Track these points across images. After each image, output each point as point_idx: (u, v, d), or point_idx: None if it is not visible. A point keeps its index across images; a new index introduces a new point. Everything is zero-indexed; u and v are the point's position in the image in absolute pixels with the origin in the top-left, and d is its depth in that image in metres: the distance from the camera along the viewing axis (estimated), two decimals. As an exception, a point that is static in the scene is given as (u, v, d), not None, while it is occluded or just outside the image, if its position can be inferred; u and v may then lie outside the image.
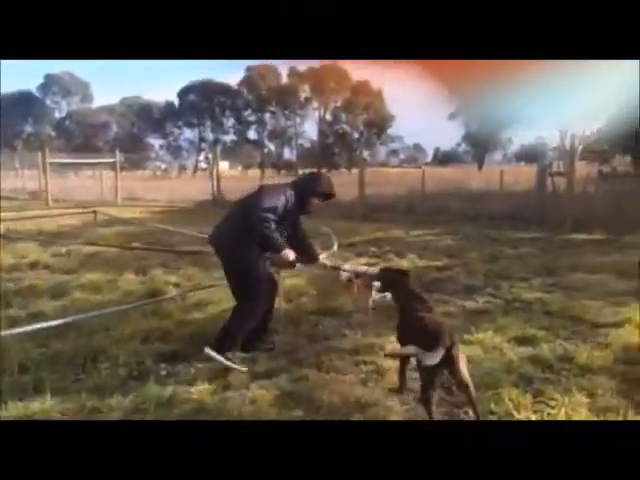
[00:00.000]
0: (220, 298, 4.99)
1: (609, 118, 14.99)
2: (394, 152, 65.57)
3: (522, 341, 3.97)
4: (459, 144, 61.68)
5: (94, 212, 12.68)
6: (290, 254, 3.69)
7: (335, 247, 6.69)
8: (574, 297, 5.20)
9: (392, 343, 3.95)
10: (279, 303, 4.68)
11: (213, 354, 3.58)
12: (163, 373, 3.51)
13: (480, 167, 44.98)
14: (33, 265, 7.07)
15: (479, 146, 52.78)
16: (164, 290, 5.50)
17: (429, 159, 71.71)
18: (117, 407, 3.02)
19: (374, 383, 3.32)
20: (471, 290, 5.60)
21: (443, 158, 65.88)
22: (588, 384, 3.19)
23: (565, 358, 3.62)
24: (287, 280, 5.83)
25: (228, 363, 3.56)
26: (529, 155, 53.12)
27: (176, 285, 5.90)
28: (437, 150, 72.12)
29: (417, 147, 72.82)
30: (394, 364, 3.58)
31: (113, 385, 3.29)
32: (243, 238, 3.66)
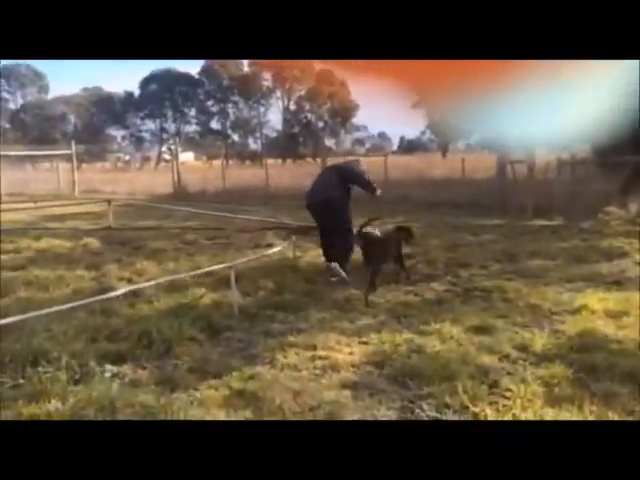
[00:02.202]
0: (171, 293, 4.84)
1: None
2: (359, 141, 65.63)
3: (480, 330, 3.92)
4: (423, 132, 62.16)
5: (108, 202, 12.17)
6: (379, 190, 6.14)
7: (294, 237, 6.56)
8: (533, 284, 5.21)
9: (349, 337, 3.88)
10: (235, 296, 4.55)
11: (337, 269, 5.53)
12: (107, 375, 3.33)
13: (444, 155, 45.43)
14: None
15: (442, 135, 53.25)
16: (116, 287, 5.28)
17: (395, 147, 72.02)
18: (55, 413, 2.84)
19: (328, 379, 3.21)
20: (431, 279, 5.56)
21: (408, 146, 66.21)
22: (545, 373, 3.15)
23: (522, 347, 3.59)
24: (245, 272, 5.70)
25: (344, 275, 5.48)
26: (492, 144, 53.83)
27: (129, 281, 5.70)
28: (402, 139, 72.49)
29: (382, 136, 73.01)
30: (350, 358, 3.49)
31: (53, 390, 3.10)
32: (343, 191, 5.88)
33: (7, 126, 56.06)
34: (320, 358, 3.50)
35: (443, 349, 3.58)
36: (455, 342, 3.71)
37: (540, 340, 3.65)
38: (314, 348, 3.66)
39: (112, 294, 4.01)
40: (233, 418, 2.75)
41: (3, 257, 7.15)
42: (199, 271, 5.03)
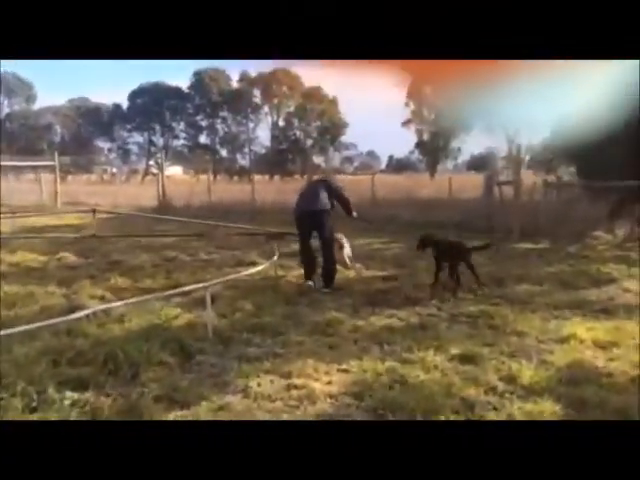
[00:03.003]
0: (143, 313, 4.62)
1: (554, 128, 15.30)
2: (348, 159, 65.85)
3: (465, 359, 3.74)
4: (412, 152, 62.47)
5: (93, 211, 11.98)
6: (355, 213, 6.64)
7: (276, 257, 6.37)
8: (519, 310, 5.05)
9: (328, 364, 3.68)
10: (209, 318, 4.34)
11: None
12: (67, 403, 3.10)
13: (432, 175, 45.61)
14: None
15: (430, 154, 53.55)
16: (87, 305, 5.05)
17: (383, 166, 72.35)
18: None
19: (303, 411, 3.01)
20: (415, 302, 5.39)
21: (397, 166, 66.56)
22: (532, 408, 2.97)
23: (509, 378, 3.42)
24: (223, 292, 5.50)
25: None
26: (479, 164, 54.35)
27: (102, 298, 5.47)
28: (391, 158, 72.86)
29: (371, 154, 73.37)
30: (327, 388, 3.30)
31: (6, 418, 2.86)
32: (327, 204, 6.21)
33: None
34: (296, 387, 3.30)
35: (427, 379, 3.39)
36: (439, 372, 3.53)
37: (527, 372, 3.47)
38: (290, 376, 3.46)
39: (75, 315, 3.78)
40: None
41: (-26, 270, 6.88)
42: (173, 291, 4.81)
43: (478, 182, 14.49)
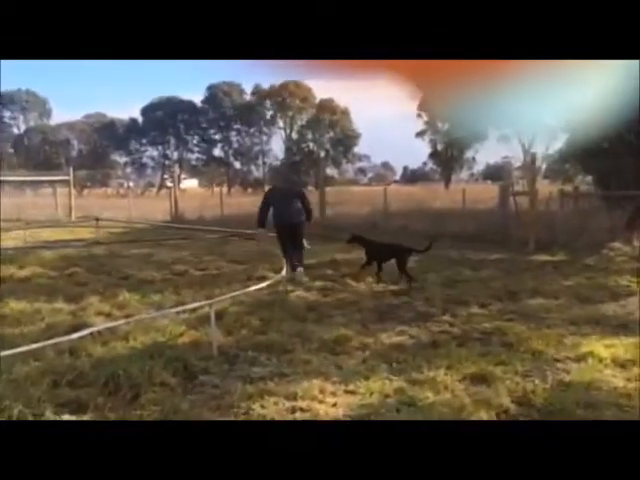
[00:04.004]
0: (148, 330, 4.54)
1: (570, 137, 15.08)
2: (362, 170, 65.81)
3: (477, 379, 3.60)
4: (425, 163, 62.28)
5: (96, 220, 12.42)
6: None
7: (284, 271, 6.27)
8: (534, 326, 4.89)
9: (334, 385, 3.56)
10: (214, 337, 4.25)
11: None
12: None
13: (447, 185, 45.39)
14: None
15: (444, 165, 53.35)
16: (93, 322, 4.99)
17: (398, 177, 72.21)
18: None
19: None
20: (427, 318, 5.25)
21: (412, 176, 66.37)
22: (547, 433, 2.82)
23: (522, 400, 3.27)
24: (230, 308, 5.42)
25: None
26: (495, 174, 54.03)
27: (108, 315, 5.41)
28: (406, 168, 72.69)
29: (385, 165, 73.28)
30: (332, 411, 3.17)
31: None
32: (303, 216, 7.55)
33: (11, 151, 56.48)
34: (301, 410, 3.19)
35: (437, 401, 3.26)
36: (450, 393, 3.39)
37: (542, 393, 3.32)
38: (295, 398, 3.34)
39: (78, 334, 3.71)
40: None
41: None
42: (177, 309, 4.74)
43: (493, 192, 14.30)
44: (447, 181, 50.56)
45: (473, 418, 3.02)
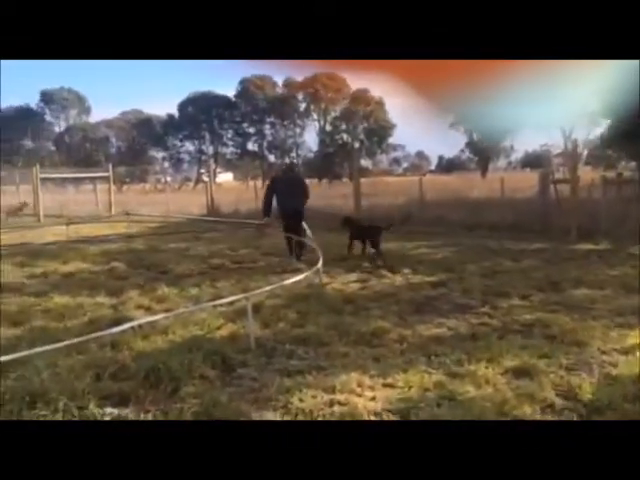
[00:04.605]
0: (187, 324, 4.59)
1: (612, 122, 14.57)
2: (396, 161, 65.19)
3: (519, 373, 3.51)
4: (462, 151, 61.26)
5: (127, 214, 13.01)
6: None
7: (320, 264, 6.24)
8: (579, 317, 4.74)
9: (372, 378, 3.52)
10: (251, 330, 4.26)
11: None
12: (107, 419, 3.07)
13: (484, 174, 44.53)
14: (2, 288, 6.67)
15: (481, 153, 52.35)
16: (133, 316, 5.09)
17: (433, 167, 71.30)
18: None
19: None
20: (465, 310, 5.15)
21: (447, 166, 65.45)
22: (595, 429, 2.73)
23: (568, 395, 3.17)
24: (267, 301, 5.43)
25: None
26: (534, 162, 52.77)
27: (148, 309, 5.50)
28: (441, 158, 71.69)
29: (420, 155, 72.41)
30: (371, 405, 3.14)
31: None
32: (303, 201, 8.60)
33: (52, 149, 58.15)
34: (339, 404, 3.16)
35: (477, 395, 3.19)
36: (491, 387, 3.31)
37: (589, 387, 3.22)
38: (333, 391, 3.32)
39: (120, 328, 3.78)
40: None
41: (30, 282, 7.10)
42: (215, 302, 4.78)
43: (533, 180, 13.95)
44: (484, 170, 49.61)
45: (516, 413, 2.95)
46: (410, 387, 3.34)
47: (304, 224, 8.62)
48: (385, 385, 3.43)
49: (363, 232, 8.52)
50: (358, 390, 3.34)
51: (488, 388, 3.29)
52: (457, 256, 8.37)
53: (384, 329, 4.55)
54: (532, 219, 11.32)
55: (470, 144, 53.99)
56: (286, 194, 8.38)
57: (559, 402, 3.09)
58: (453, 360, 3.77)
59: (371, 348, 4.17)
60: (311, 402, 3.20)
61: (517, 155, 59.02)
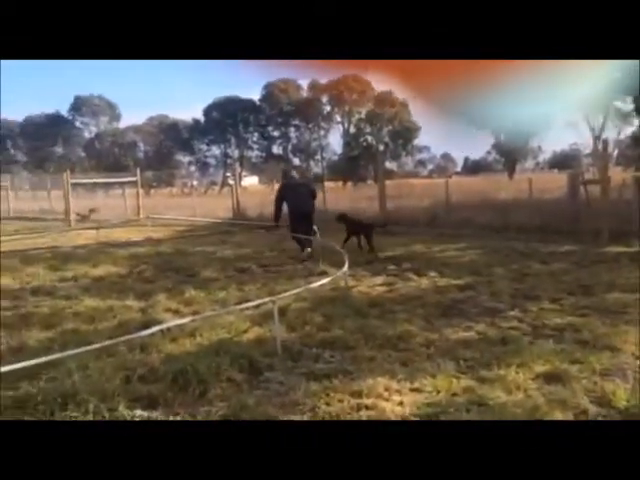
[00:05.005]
0: (214, 327, 4.62)
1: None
2: (421, 163, 64.76)
3: (551, 378, 3.44)
4: (489, 153, 60.57)
5: (148, 217, 13.36)
6: None
7: (346, 267, 6.22)
8: (611, 322, 4.63)
9: (399, 383, 3.49)
10: (278, 333, 4.27)
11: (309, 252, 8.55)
12: (136, 420, 3.11)
13: (511, 176, 43.93)
14: (35, 291, 6.83)
15: (508, 155, 51.64)
16: (162, 319, 5.15)
17: (459, 168, 70.69)
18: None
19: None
20: (494, 314, 5.07)
21: (473, 167, 64.81)
22: (630, 437, 2.65)
23: (602, 401, 3.09)
24: (293, 304, 5.44)
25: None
26: (562, 162, 51.85)
27: (176, 312, 5.56)
28: (467, 159, 71.02)
29: (446, 157, 71.87)
30: (399, 409, 3.11)
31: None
32: (313, 203, 9.27)
33: (82, 154, 59.38)
34: (366, 408, 3.14)
35: (508, 401, 3.13)
36: (522, 392, 3.25)
37: (623, 393, 3.13)
38: (360, 395, 3.30)
39: (149, 331, 3.82)
40: None
41: (62, 285, 7.24)
42: (242, 306, 4.80)
43: (561, 181, 13.71)
44: (511, 171, 48.93)
45: (548, 419, 2.89)
46: (438, 392, 3.30)
47: (314, 227, 9.17)
48: (413, 390, 3.39)
49: (358, 228, 9.42)
50: (385, 394, 3.31)
51: (519, 394, 3.23)
52: (484, 259, 8.26)
53: (411, 333, 4.51)
54: (561, 221, 11.12)
55: (497, 145, 53.33)
56: (295, 199, 9.06)
57: (593, 409, 3.02)
58: (482, 364, 3.72)
59: (398, 352, 4.14)
60: (338, 406, 3.19)
61: (545, 156, 58.13)
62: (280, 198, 9.23)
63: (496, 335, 4.44)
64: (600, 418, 2.92)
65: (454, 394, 3.26)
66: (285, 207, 9.33)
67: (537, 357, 3.79)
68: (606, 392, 3.18)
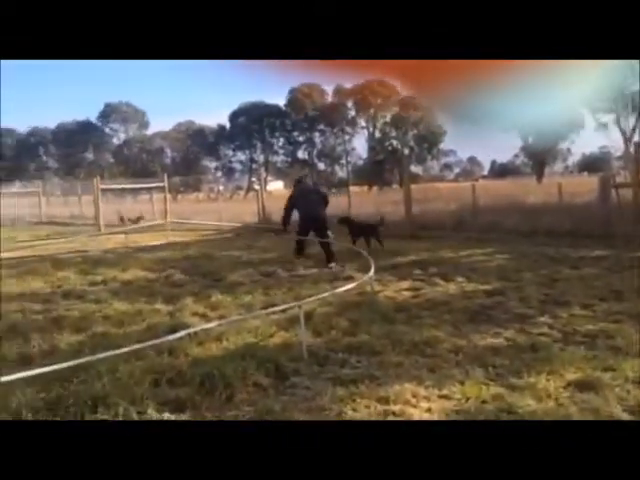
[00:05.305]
0: (241, 331, 4.65)
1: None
2: (447, 166, 64.24)
3: (583, 386, 3.36)
4: (516, 156, 59.78)
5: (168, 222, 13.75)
6: None
7: (372, 272, 6.19)
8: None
9: (427, 389, 3.45)
10: (303, 338, 4.27)
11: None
12: (165, 420, 3.13)
13: (539, 179, 43.28)
14: (66, 294, 6.96)
15: (537, 157, 50.87)
16: (189, 323, 5.20)
17: (485, 172, 69.93)
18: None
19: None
20: (524, 319, 4.99)
21: (500, 170, 64.05)
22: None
23: (635, 409, 3.01)
24: (319, 309, 5.43)
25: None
26: (593, 165, 50.87)
27: (203, 316, 5.60)
28: (494, 163, 70.22)
29: (472, 160, 71.15)
30: (427, 416, 3.08)
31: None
32: (324, 208, 9.24)
33: (111, 161, 60.55)
34: (393, 414, 3.12)
35: (539, 409, 3.07)
36: (553, 401, 3.19)
37: (659, 403, 3.04)
38: (387, 402, 3.27)
39: (177, 335, 3.86)
40: None
41: (91, 288, 7.37)
42: (268, 310, 4.82)
43: (592, 185, 13.44)
44: (540, 174, 48.17)
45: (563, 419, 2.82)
46: (467, 399, 3.25)
47: (329, 232, 9.19)
48: (441, 396, 3.35)
49: (362, 230, 9.86)
50: (413, 401, 3.28)
51: (549, 402, 3.17)
52: (512, 263, 8.14)
53: (438, 338, 4.46)
54: (592, 225, 10.88)
55: (525, 148, 52.61)
56: (306, 206, 9.16)
57: (626, 418, 2.94)
58: (512, 371, 3.66)
59: (425, 358, 4.09)
60: (365, 412, 3.17)
61: (574, 158, 57.12)
62: (290, 205, 9.38)
63: (526, 342, 4.36)
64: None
65: (483, 401, 3.21)
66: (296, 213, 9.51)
67: (568, 364, 3.71)
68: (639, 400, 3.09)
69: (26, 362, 4.29)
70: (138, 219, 20.28)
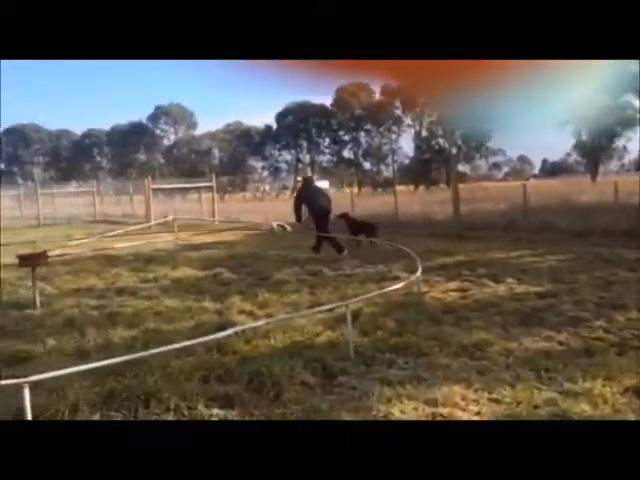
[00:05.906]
0: (287, 330, 4.68)
1: None
2: (496, 165, 62.82)
3: (642, 393, 3.22)
4: (569, 154, 57.89)
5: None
6: None
7: (419, 272, 6.12)
8: None
9: (476, 392, 3.39)
10: (350, 337, 4.26)
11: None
12: (214, 420, 3.19)
13: (593, 178, 41.79)
14: (120, 291, 7.18)
15: (590, 155, 49.11)
16: (237, 321, 5.28)
17: (536, 171, 68.07)
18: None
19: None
20: (578, 323, 4.83)
21: (552, 169, 62.21)
22: None
23: (701, 420, 2.86)
24: (365, 308, 5.42)
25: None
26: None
27: (250, 314, 5.68)
28: (545, 161, 68.24)
29: (523, 159, 69.34)
30: (476, 420, 3.02)
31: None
32: (329, 203, 10.35)
33: (162, 161, 62.16)
34: (442, 417, 3.08)
35: (594, 416, 2.96)
36: (610, 407, 3.07)
37: None
38: (435, 404, 3.23)
39: (225, 333, 3.93)
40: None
41: (143, 285, 7.58)
42: (315, 309, 4.84)
43: (650, 184, 12.87)
44: (594, 173, 46.49)
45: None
46: (519, 403, 3.17)
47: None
48: (491, 400, 3.28)
49: (360, 228, 10.61)
50: (462, 404, 3.23)
51: (606, 408, 3.06)
52: (565, 265, 7.88)
53: (487, 341, 4.37)
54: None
55: (578, 146, 50.88)
56: (315, 200, 10.10)
57: (690, 428, 2.80)
58: (565, 376, 3.54)
59: (474, 360, 4.02)
60: (413, 414, 3.14)
61: (630, 157, 54.81)
62: (300, 201, 10.24)
63: (580, 346, 4.22)
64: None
65: (535, 406, 3.12)
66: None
67: (626, 370, 3.57)
68: None
69: (83, 356, 4.45)
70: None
